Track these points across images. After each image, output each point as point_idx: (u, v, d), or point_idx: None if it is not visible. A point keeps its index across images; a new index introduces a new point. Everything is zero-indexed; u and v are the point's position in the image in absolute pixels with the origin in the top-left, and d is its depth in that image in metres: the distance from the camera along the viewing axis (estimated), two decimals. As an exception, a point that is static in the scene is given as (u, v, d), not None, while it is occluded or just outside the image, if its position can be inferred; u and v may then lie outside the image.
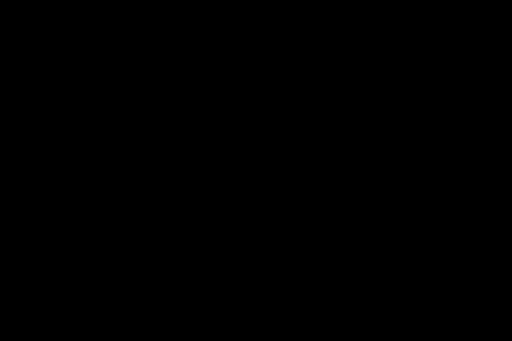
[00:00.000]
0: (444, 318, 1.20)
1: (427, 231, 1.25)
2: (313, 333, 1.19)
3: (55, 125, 1.32)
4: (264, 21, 1.26)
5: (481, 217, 1.28)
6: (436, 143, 1.29)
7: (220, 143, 1.33)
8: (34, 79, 1.32)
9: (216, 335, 1.19)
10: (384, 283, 1.26)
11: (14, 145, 1.31)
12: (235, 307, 1.24)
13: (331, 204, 1.32)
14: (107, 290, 1.23)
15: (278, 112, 1.31)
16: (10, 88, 1.32)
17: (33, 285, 1.19)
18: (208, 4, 1.29)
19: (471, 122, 1.28)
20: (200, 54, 1.32)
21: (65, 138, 1.32)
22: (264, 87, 1.30)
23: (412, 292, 1.25)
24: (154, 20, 1.31)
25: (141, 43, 1.32)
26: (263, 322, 1.21)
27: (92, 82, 1.33)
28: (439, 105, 1.27)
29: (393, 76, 1.22)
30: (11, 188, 1.31)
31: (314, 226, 1.30)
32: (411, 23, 1.21)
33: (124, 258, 1.28)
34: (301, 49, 1.25)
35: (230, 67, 1.32)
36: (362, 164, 1.31)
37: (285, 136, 1.31)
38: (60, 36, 1.32)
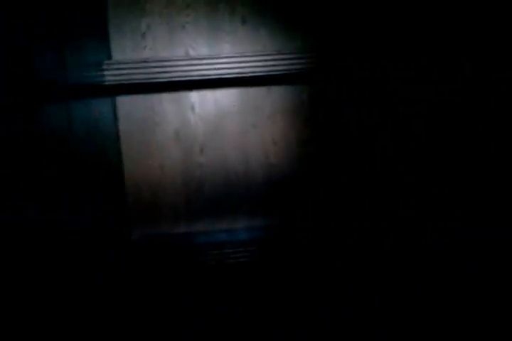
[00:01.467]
0: (448, 318, 1.18)
1: (442, 227, 1.24)
2: (313, 333, 1.16)
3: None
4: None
5: (498, 212, 1.28)
6: (452, 139, 1.30)
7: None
8: None
9: (216, 335, 1.16)
10: (399, 280, 1.24)
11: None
12: (235, 307, 1.22)
13: (346, 200, 1.30)
14: (107, 290, 1.18)
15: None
16: None
17: (33, 285, 1.12)
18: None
19: (486, 118, 1.29)
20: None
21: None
22: (278, 82, 1.29)
23: (428, 288, 1.23)
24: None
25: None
26: (263, 322, 1.18)
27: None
28: (455, 101, 1.28)
29: (408, 71, 1.23)
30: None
31: (329, 222, 1.29)
32: (426, 19, 1.23)
33: (124, 258, 1.24)
34: (315, 45, 1.25)
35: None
36: (377, 160, 1.30)
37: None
38: None
